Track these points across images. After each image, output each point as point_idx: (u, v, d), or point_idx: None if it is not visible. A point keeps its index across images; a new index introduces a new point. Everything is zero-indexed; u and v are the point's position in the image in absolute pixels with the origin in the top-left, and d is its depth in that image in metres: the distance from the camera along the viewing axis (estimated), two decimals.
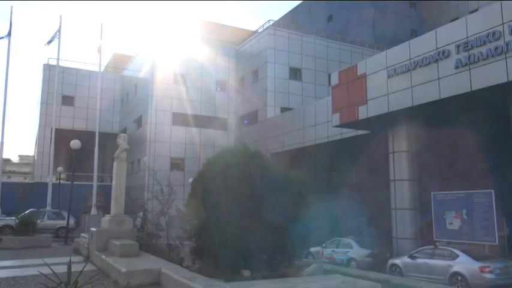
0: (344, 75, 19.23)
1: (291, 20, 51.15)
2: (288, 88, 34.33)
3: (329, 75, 28.08)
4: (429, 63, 15.11)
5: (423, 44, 15.61)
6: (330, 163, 26.57)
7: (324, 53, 36.35)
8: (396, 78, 16.38)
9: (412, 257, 14.88)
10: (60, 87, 35.72)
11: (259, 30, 37.52)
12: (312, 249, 18.56)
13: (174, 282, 7.73)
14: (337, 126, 20.12)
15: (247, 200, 7.94)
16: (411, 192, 17.89)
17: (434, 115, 16.94)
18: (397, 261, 15.51)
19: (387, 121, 17.98)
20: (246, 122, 36.29)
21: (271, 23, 37.41)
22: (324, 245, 18.95)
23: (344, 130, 21.96)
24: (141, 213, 12.96)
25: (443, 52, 14.61)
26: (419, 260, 14.51)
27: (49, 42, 31.25)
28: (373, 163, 23.70)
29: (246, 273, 8.61)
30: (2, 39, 28.97)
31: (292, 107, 32.40)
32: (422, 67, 15.36)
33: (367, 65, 17.99)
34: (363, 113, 17.74)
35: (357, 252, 17.70)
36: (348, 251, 17.98)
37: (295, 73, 35.28)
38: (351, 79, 18.64)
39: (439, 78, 14.72)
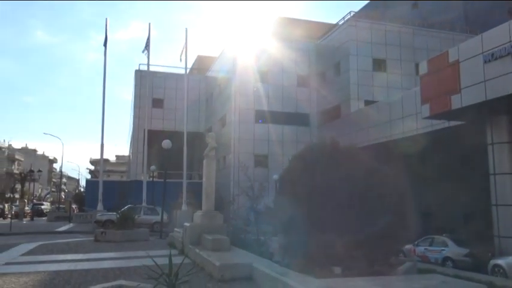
0: (434, 63, 18.18)
1: (372, 9, 49.27)
2: (371, 80, 33.23)
3: (416, 65, 26.67)
4: None
5: None
6: (420, 156, 25.23)
7: (410, 42, 34.61)
8: (494, 64, 15.09)
9: None
10: (151, 91, 37.94)
11: (340, 23, 36.70)
12: (404, 247, 17.78)
13: (266, 277, 7.84)
14: (427, 118, 19.09)
15: (339, 196, 7.80)
16: None
17: None
18: (501, 261, 14.28)
19: (484, 110, 16.66)
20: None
21: (351, 15, 36.40)
22: (416, 242, 18.09)
23: (434, 122, 20.73)
24: None
25: None
26: None
27: (144, 51, 33.93)
28: (466, 155, 22.08)
29: (337, 270, 8.43)
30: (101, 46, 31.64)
31: (377, 99, 31.22)
32: None
33: (460, 50, 16.80)
34: (456, 102, 16.61)
35: (453, 251, 16.66)
36: (443, 250, 17.00)
37: (379, 64, 34.06)
38: (441, 67, 17.55)
39: None
